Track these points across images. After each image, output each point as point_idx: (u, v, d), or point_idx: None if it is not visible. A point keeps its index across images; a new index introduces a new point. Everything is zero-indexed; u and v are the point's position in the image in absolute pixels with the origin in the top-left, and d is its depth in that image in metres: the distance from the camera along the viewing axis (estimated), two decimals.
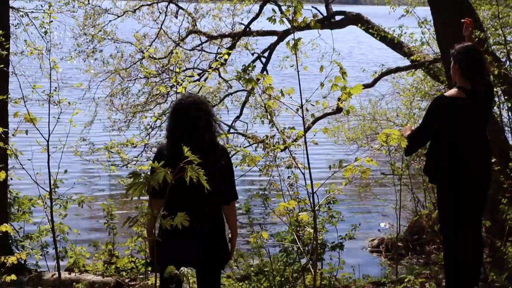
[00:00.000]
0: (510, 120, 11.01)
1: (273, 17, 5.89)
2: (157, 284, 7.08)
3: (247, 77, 5.93)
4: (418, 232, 13.45)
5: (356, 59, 35.92)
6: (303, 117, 5.81)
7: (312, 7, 16.19)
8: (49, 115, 7.59)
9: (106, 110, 18.47)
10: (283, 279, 8.80)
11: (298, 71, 5.80)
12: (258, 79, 6.00)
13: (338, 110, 14.68)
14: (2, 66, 8.20)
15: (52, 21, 8.74)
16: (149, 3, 18.38)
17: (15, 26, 14.77)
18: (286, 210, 6.89)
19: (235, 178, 6.08)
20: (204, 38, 18.20)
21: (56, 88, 8.11)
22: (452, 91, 6.86)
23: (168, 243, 5.79)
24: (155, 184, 4.03)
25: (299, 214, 7.05)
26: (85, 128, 17.67)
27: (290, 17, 5.75)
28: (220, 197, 5.93)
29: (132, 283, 8.71)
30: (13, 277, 7.34)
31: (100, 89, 18.48)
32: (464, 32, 7.45)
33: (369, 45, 37.94)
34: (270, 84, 5.93)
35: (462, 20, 7.54)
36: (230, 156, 6.56)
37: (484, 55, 7.26)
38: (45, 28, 8.93)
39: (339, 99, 5.90)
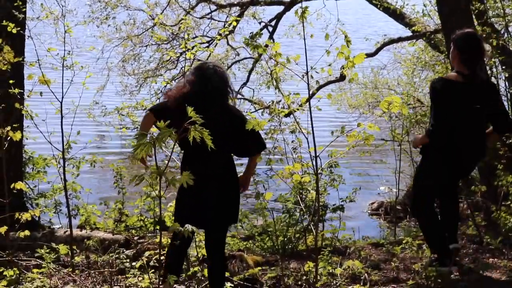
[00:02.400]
0: (507, 89, 11.20)
1: None
2: (162, 241, 7.43)
3: (255, 44, 6.11)
4: None
5: (364, 31, 35.86)
6: (308, 83, 5.99)
7: None
8: (62, 77, 7.81)
9: (118, 75, 18.71)
10: (285, 239, 8.96)
11: (304, 39, 5.98)
12: (266, 45, 6.19)
13: (342, 78, 14.86)
14: (19, 29, 8.29)
15: None
16: None
17: None
18: (290, 173, 7.09)
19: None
20: (213, 7, 18.40)
21: (69, 51, 8.31)
22: (450, 75, 7.07)
23: (184, 201, 6.18)
24: (160, 145, 4.12)
25: (302, 176, 7.23)
26: (98, 92, 17.90)
27: None
28: (240, 151, 6.37)
29: (141, 240, 8.80)
30: (27, 232, 7.46)
31: (113, 54, 18.72)
32: None
33: (372, 17, 37.71)
34: (277, 51, 6.13)
35: None
36: None
37: (483, 43, 7.37)
38: None
39: (342, 67, 6.10)
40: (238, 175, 6.41)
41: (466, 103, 6.96)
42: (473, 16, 10.41)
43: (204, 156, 5.42)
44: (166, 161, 4.40)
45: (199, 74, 6.19)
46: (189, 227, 4.40)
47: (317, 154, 6.11)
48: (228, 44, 17.52)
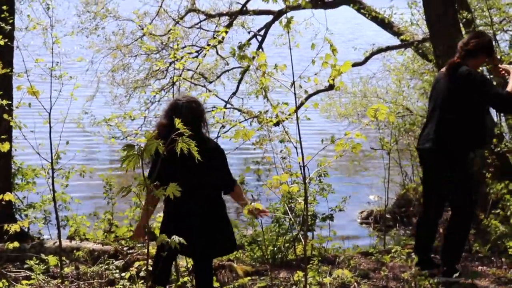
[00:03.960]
0: None
1: None
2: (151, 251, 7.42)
3: (242, 54, 6.12)
4: (405, 205, 13.73)
5: (356, 40, 35.86)
6: (294, 93, 6.01)
7: None
8: (51, 88, 7.81)
9: (108, 85, 18.73)
10: (275, 248, 8.95)
11: (290, 49, 6.00)
12: (253, 57, 6.20)
13: (330, 87, 14.88)
14: (7, 40, 8.29)
15: None
16: None
17: (20, 1, 14.87)
18: (278, 183, 7.10)
19: (229, 162, 6.49)
20: (202, 17, 18.43)
21: (58, 62, 8.30)
22: None
23: (169, 228, 6.14)
24: (148, 156, 4.14)
25: (290, 186, 7.23)
26: (87, 102, 17.91)
27: None
28: (218, 187, 6.31)
29: (131, 251, 8.81)
30: (16, 244, 7.49)
31: (102, 64, 18.73)
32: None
33: (363, 26, 37.81)
34: (264, 61, 6.15)
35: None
36: (226, 131, 6.89)
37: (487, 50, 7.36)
38: (48, 4, 9.09)
39: (330, 76, 6.12)
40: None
41: (433, 95, 7.29)
42: (461, 25, 10.47)
43: (191, 166, 5.42)
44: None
45: (170, 112, 6.22)
46: (176, 238, 4.40)
47: (306, 164, 6.12)
48: (217, 53, 17.54)
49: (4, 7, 8.60)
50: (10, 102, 8.40)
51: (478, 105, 7.05)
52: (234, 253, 9.24)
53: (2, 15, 8.62)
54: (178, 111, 6.16)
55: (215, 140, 6.63)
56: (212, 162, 6.10)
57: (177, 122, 4.20)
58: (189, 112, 6.16)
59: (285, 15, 5.77)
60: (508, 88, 6.89)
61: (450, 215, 7.43)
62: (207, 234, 6.19)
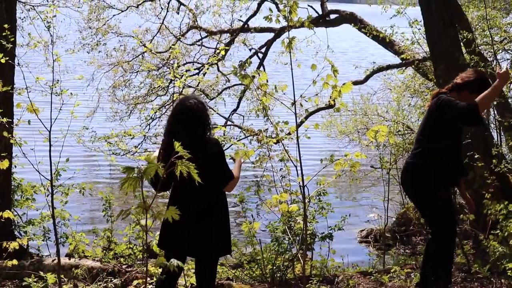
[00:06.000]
0: (495, 117, 11.23)
1: (269, 16, 6.11)
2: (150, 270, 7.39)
3: (243, 73, 6.13)
4: (405, 224, 13.71)
5: (360, 58, 35.93)
6: (295, 113, 6.02)
7: (308, 5, 16.45)
8: (51, 106, 7.79)
9: (109, 101, 18.77)
10: (274, 267, 8.92)
11: (292, 69, 6.02)
12: (253, 76, 6.20)
13: (331, 105, 14.91)
14: (8, 58, 8.31)
15: (55, 16, 8.92)
16: None
17: (22, 19, 14.93)
18: (278, 202, 7.09)
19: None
20: (204, 34, 18.50)
21: (58, 80, 8.29)
22: None
23: (170, 230, 6.10)
24: (148, 179, 4.10)
25: (290, 205, 7.19)
26: (88, 118, 17.92)
27: (286, 16, 5.96)
28: (218, 184, 6.27)
29: (130, 269, 8.80)
30: (15, 262, 7.51)
31: (103, 80, 18.77)
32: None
33: (368, 44, 37.95)
34: (266, 81, 6.16)
35: None
36: (225, 148, 6.86)
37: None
38: (49, 22, 9.10)
39: (331, 96, 6.14)
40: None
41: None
42: (462, 44, 10.49)
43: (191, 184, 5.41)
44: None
45: (176, 115, 6.22)
46: (174, 261, 4.39)
47: (305, 184, 6.12)
48: (218, 70, 17.56)
49: (6, 26, 8.61)
50: (10, 120, 8.41)
51: (450, 134, 6.98)
52: (233, 271, 9.26)
53: (4, 33, 8.63)
54: (183, 114, 6.14)
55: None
56: (213, 163, 6.10)
57: (177, 145, 4.18)
58: (195, 115, 6.15)
59: (286, 33, 5.79)
60: (478, 97, 6.80)
61: (431, 236, 7.33)
62: (212, 234, 6.15)
